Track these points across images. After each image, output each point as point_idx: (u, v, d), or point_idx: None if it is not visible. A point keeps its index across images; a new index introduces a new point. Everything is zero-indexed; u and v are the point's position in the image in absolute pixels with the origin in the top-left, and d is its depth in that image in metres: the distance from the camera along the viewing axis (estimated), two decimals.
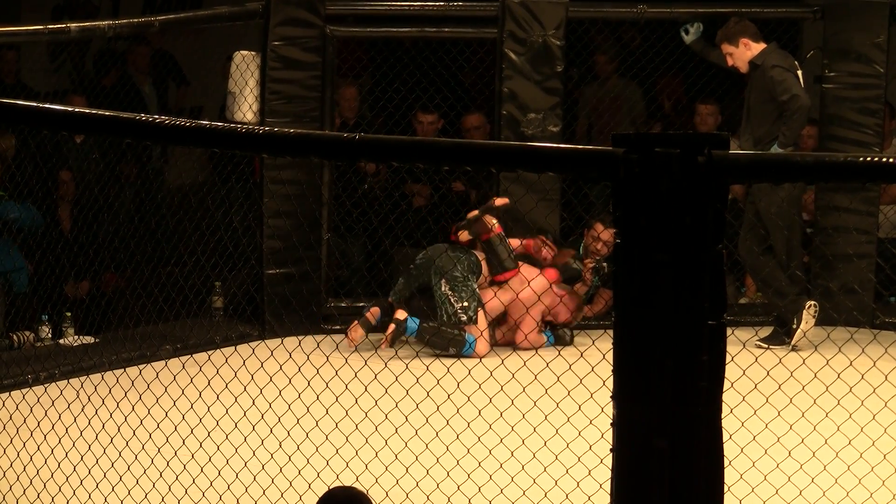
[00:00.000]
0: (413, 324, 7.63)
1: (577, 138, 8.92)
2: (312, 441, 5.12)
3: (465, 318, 7.68)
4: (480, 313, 7.74)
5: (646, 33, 8.76)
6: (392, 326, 7.60)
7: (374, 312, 7.78)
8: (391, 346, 7.54)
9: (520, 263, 7.88)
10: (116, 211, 8.14)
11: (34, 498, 4.91)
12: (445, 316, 7.70)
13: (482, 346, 7.65)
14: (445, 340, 7.61)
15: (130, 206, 8.50)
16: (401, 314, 7.68)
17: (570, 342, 7.86)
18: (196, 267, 7.64)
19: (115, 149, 8.10)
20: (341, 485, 3.75)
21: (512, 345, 7.70)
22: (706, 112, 8.92)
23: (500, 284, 7.84)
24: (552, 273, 7.92)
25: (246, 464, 4.99)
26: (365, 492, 3.48)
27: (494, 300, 7.78)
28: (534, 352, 7.03)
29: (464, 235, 7.87)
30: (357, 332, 7.70)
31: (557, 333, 7.92)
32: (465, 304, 7.71)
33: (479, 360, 7.19)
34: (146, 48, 9.40)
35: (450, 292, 7.73)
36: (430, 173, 8.73)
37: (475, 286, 7.77)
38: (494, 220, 7.86)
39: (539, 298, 7.47)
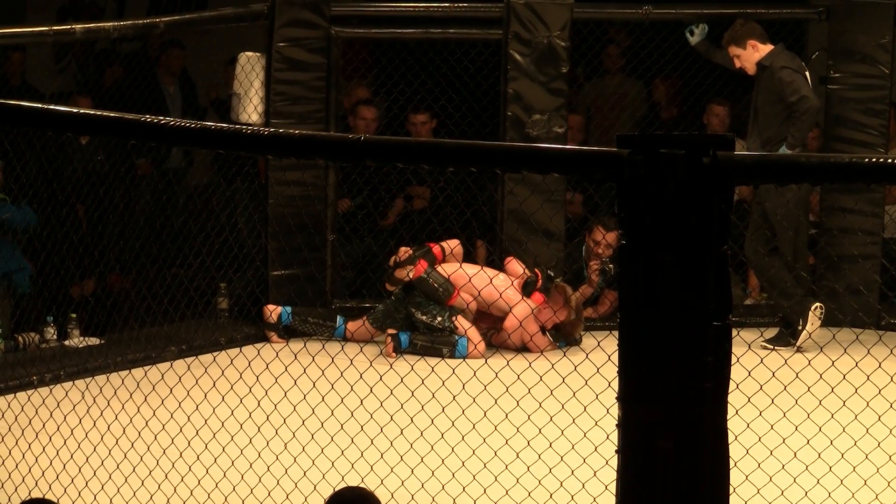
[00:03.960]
0: (405, 336, 7.65)
1: (573, 133, 8.88)
2: (318, 442, 5.12)
3: (448, 326, 7.70)
4: (460, 318, 7.73)
5: (650, 34, 8.76)
6: (389, 339, 7.62)
7: (271, 309, 7.87)
8: (399, 354, 7.53)
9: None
10: (123, 212, 8.14)
11: None
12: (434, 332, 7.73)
13: (474, 339, 7.64)
14: (437, 345, 7.64)
15: (145, 206, 8.49)
16: (392, 329, 7.72)
17: (579, 342, 7.86)
18: (201, 268, 7.64)
19: (121, 149, 8.10)
20: (349, 485, 3.75)
21: (524, 349, 7.68)
22: (717, 113, 8.90)
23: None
24: (538, 297, 7.83)
25: (251, 465, 4.99)
26: (374, 493, 3.48)
27: (473, 303, 7.74)
28: (539, 353, 7.05)
29: (388, 286, 7.92)
30: (270, 335, 7.82)
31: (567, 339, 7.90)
32: (440, 318, 7.72)
33: (483, 361, 7.19)
34: (181, 51, 9.40)
35: (423, 318, 7.75)
36: (434, 174, 8.72)
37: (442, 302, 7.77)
38: (408, 268, 7.79)
39: (521, 324, 7.50)
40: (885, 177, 3.22)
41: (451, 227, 8.30)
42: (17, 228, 7.55)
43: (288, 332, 7.88)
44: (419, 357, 7.22)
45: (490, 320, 7.86)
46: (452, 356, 7.52)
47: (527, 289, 7.74)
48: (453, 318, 7.70)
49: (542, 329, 7.81)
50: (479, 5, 8.43)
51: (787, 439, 4.91)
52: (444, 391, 5.09)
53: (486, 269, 7.92)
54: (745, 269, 8.47)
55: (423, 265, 7.77)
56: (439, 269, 7.79)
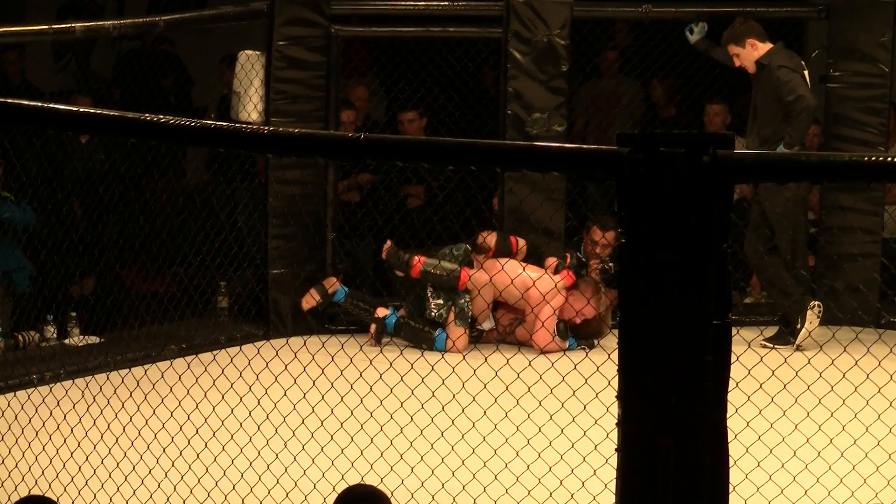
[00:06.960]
0: (392, 319, 7.74)
1: (573, 135, 8.89)
2: (317, 441, 5.12)
3: (436, 314, 7.76)
4: (452, 313, 7.75)
5: (650, 33, 8.77)
6: (373, 326, 7.76)
7: (332, 281, 8.00)
8: (378, 343, 7.59)
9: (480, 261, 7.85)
10: (123, 210, 8.13)
11: None
12: (428, 312, 7.79)
13: (453, 335, 7.69)
14: (418, 337, 7.75)
15: (144, 204, 8.48)
16: (381, 312, 7.83)
17: (594, 346, 7.79)
18: (201, 267, 7.65)
19: (121, 148, 8.10)
20: (360, 482, 3.74)
21: (531, 347, 7.65)
22: (714, 111, 8.90)
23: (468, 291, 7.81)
24: (568, 278, 7.85)
25: (251, 464, 4.99)
26: (383, 491, 3.47)
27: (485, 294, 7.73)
28: (539, 352, 7.05)
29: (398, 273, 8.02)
30: (307, 301, 7.97)
31: (583, 340, 7.85)
32: (440, 301, 7.77)
33: (485, 360, 7.17)
34: (171, 48, 9.41)
35: (430, 292, 7.78)
36: (434, 173, 8.72)
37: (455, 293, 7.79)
38: (411, 259, 7.85)
39: (544, 298, 7.47)
40: (884, 175, 3.22)
41: (450, 225, 8.31)
42: (17, 227, 7.55)
43: (331, 306, 8.02)
44: (419, 355, 7.23)
45: (516, 312, 7.87)
46: (431, 349, 7.56)
47: (556, 268, 7.81)
48: (452, 308, 7.73)
49: (559, 325, 7.75)
50: (479, 4, 8.42)
51: (786, 438, 4.92)
52: (444, 389, 5.09)
53: (521, 263, 7.87)
54: (744, 267, 8.47)
55: (420, 261, 7.81)
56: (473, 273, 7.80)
